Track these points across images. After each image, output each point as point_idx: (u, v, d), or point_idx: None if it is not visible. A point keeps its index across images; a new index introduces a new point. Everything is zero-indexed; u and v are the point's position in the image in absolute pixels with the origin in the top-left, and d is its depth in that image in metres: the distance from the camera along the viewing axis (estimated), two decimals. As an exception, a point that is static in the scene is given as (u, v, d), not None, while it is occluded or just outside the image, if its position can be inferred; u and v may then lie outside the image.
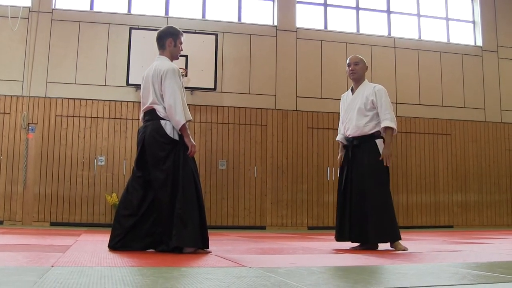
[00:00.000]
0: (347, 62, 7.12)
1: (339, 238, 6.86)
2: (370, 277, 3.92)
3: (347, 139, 7.02)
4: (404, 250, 6.41)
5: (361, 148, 6.84)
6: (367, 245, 6.67)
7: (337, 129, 7.46)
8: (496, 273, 4.12)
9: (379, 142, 6.79)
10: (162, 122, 5.80)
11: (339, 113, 7.28)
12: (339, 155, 7.20)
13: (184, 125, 5.73)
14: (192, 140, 5.83)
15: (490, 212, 16.83)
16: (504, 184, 17.06)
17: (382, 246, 6.70)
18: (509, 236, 10.75)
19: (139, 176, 5.96)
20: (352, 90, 7.12)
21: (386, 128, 6.76)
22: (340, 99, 7.39)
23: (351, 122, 6.92)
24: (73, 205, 14.06)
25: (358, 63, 7.06)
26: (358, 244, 6.80)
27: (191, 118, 5.86)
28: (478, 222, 16.64)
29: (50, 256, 4.84)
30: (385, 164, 6.67)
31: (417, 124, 16.42)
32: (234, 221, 14.91)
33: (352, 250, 6.54)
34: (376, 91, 6.88)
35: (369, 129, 6.83)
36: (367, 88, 6.98)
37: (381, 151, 6.71)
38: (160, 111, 5.82)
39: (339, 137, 7.20)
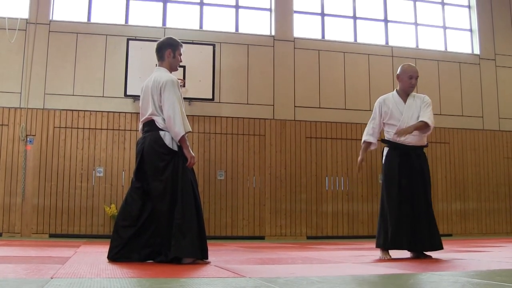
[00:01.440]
0: (409, 74, 7.05)
1: (393, 246, 6.75)
2: (369, 286, 3.92)
3: (401, 145, 6.95)
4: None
5: (420, 157, 6.95)
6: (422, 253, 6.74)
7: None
8: (496, 281, 4.12)
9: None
10: (161, 133, 5.82)
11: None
12: (360, 157, 7.22)
13: (183, 136, 5.74)
14: (191, 151, 5.84)
15: (489, 220, 16.82)
16: (503, 192, 17.05)
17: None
18: (508, 244, 10.75)
19: (138, 187, 5.97)
20: (400, 96, 7.09)
21: (422, 122, 6.80)
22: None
23: (416, 131, 6.88)
24: (72, 217, 14.04)
25: (418, 77, 7.09)
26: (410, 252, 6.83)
27: (191, 130, 5.88)
28: (477, 230, 16.63)
29: (49, 268, 4.84)
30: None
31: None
32: (233, 231, 14.89)
33: (374, 260, 6.52)
34: (426, 101, 7.00)
35: (425, 140, 7.06)
36: (418, 99, 7.06)
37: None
38: (159, 122, 5.83)
39: (368, 138, 7.20)
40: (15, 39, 14.15)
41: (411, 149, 6.92)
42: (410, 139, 6.89)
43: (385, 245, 6.75)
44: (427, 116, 6.79)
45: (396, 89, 7.16)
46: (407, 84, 7.01)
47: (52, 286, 3.56)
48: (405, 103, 7.00)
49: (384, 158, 7.11)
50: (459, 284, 3.96)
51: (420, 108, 6.92)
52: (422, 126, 6.79)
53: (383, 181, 7.07)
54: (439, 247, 6.64)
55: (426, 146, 7.00)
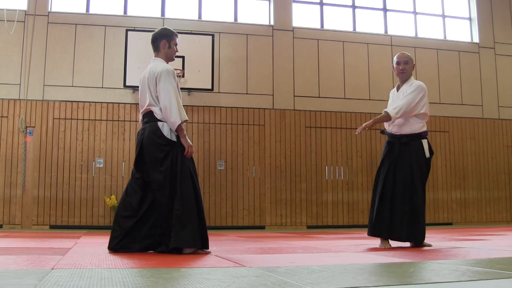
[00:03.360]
0: (396, 60, 6.99)
1: (372, 234, 6.85)
2: (369, 275, 3.93)
3: (393, 135, 6.92)
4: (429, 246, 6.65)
5: (407, 146, 6.82)
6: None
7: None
8: (496, 269, 4.13)
9: (424, 142, 6.79)
10: (160, 123, 5.82)
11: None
12: (367, 123, 6.95)
13: (180, 125, 5.74)
14: (188, 141, 5.84)
15: (489, 208, 16.84)
16: (503, 180, 17.07)
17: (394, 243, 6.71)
18: (508, 232, 10.76)
19: (138, 177, 5.97)
20: (398, 88, 7.04)
21: (383, 112, 6.82)
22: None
23: (399, 120, 6.84)
24: (72, 208, 14.06)
25: (407, 62, 6.95)
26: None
27: (187, 119, 5.88)
28: (477, 218, 16.65)
29: (50, 259, 4.84)
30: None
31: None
32: (233, 221, 14.91)
33: (369, 249, 6.53)
34: (411, 89, 6.85)
35: (418, 128, 6.83)
36: (410, 86, 6.93)
37: (426, 152, 6.77)
38: (158, 113, 5.83)
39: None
40: (14, 30, 14.13)
41: (396, 138, 6.87)
42: (393, 128, 6.91)
43: (368, 232, 6.88)
44: (394, 106, 6.76)
45: None
46: (396, 71, 6.99)
47: (53, 277, 3.57)
48: (397, 91, 7.02)
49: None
50: (459, 272, 3.97)
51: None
52: (383, 118, 6.84)
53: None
54: (416, 240, 6.57)
55: (422, 135, 6.81)
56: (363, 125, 6.82)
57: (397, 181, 6.72)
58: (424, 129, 6.84)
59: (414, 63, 7.07)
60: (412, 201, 6.60)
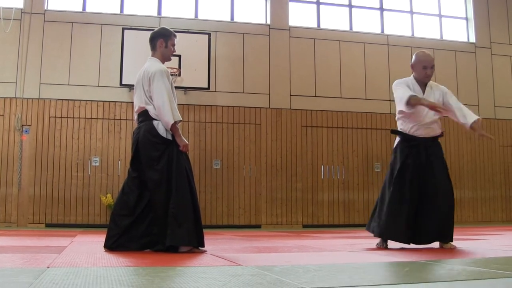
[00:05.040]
0: (423, 64, 6.63)
1: (403, 239, 6.42)
2: (365, 274, 3.93)
3: (416, 138, 6.70)
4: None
5: (434, 148, 6.85)
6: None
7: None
8: (491, 269, 4.13)
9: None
10: (155, 122, 5.81)
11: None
12: (429, 102, 6.48)
13: (174, 124, 5.74)
14: (183, 139, 5.83)
15: (485, 208, 16.87)
16: (498, 180, 17.09)
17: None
18: (503, 232, 10.78)
19: (134, 176, 5.97)
20: (418, 85, 6.74)
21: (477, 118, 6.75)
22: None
23: (431, 123, 6.77)
24: (68, 206, 14.05)
25: (433, 65, 6.72)
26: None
27: (181, 119, 5.87)
28: (473, 218, 16.67)
29: (45, 257, 4.84)
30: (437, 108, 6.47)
31: (410, 121, 16.41)
32: (229, 220, 14.91)
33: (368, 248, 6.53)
34: (446, 92, 6.85)
35: (439, 130, 6.95)
36: (436, 89, 6.82)
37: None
38: (152, 112, 5.83)
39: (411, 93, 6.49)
40: (10, 28, 14.11)
41: (426, 141, 6.74)
42: (421, 132, 6.72)
43: (376, 232, 6.53)
44: (467, 114, 6.78)
45: (413, 75, 6.82)
46: (422, 75, 6.66)
47: (49, 275, 3.57)
48: (423, 93, 6.69)
49: (394, 148, 6.81)
50: (455, 271, 3.98)
51: (437, 100, 6.66)
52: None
53: (389, 170, 6.75)
54: (451, 237, 6.36)
55: (439, 136, 6.87)
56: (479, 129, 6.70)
57: (430, 184, 6.51)
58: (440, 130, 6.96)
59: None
60: (451, 200, 6.49)
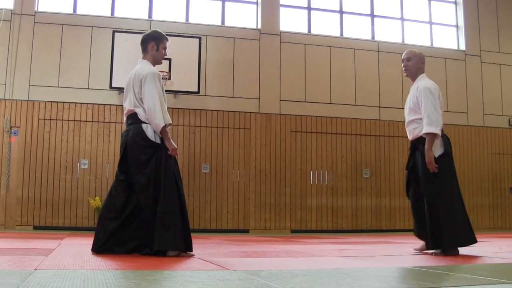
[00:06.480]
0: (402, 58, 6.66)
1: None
2: (352, 280, 3.94)
3: (411, 141, 6.60)
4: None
5: (419, 151, 6.47)
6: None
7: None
8: (477, 275, 4.15)
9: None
10: (144, 125, 5.81)
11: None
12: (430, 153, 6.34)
13: (164, 128, 5.74)
14: (172, 143, 5.84)
15: (472, 215, 16.76)
16: (486, 188, 17.14)
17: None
18: (491, 240, 10.83)
19: (122, 179, 5.96)
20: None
21: (426, 133, 6.25)
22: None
23: (408, 125, 6.58)
24: (56, 209, 14.00)
25: (410, 58, 6.61)
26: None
27: (171, 122, 5.88)
28: (461, 225, 16.68)
29: (33, 260, 4.83)
30: (431, 170, 6.29)
31: (400, 128, 16.41)
32: (217, 224, 14.90)
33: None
34: (420, 89, 6.44)
35: (419, 131, 6.40)
36: (417, 85, 6.58)
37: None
38: (142, 115, 5.83)
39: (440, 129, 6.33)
40: (-1, 30, 14.07)
41: (412, 144, 6.67)
42: (408, 134, 6.67)
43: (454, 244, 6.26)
44: (425, 122, 6.26)
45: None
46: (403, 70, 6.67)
47: (36, 277, 3.56)
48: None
49: (442, 153, 6.60)
50: (441, 277, 3.99)
51: (415, 96, 6.52)
52: (429, 139, 6.27)
53: (441, 177, 6.73)
54: (435, 246, 6.19)
55: (420, 137, 6.39)
56: (428, 165, 6.32)
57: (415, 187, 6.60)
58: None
59: (422, 59, 6.71)
60: (431, 205, 6.43)
